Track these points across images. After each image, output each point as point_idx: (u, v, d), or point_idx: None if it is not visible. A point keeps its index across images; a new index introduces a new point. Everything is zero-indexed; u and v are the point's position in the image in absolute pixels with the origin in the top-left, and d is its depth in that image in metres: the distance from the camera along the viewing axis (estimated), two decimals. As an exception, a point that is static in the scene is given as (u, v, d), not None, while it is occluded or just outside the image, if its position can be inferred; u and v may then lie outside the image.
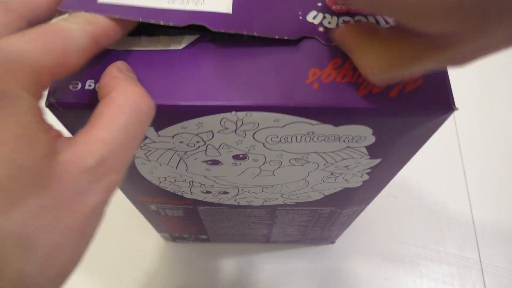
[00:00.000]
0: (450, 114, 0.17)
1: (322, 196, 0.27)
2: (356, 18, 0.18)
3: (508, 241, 0.44)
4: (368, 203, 0.30)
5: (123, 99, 0.14)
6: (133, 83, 0.16)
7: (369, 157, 0.21)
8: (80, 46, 0.15)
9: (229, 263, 0.43)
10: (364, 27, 0.16)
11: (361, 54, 0.16)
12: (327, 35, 0.18)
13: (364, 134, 0.18)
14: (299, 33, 0.17)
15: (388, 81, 0.16)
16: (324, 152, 0.20)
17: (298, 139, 0.19)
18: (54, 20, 0.15)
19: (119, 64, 0.16)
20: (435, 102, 0.17)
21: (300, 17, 0.18)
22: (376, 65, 0.15)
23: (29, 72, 0.13)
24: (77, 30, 0.15)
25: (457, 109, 0.16)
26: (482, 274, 0.42)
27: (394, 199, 0.46)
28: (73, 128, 0.18)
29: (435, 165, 0.48)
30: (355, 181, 0.24)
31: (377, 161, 0.21)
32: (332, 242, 0.44)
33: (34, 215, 0.12)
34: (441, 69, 0.14)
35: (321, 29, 0.18)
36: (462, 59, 0.13)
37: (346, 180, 0.24)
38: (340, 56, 0.17)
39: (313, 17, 0.18)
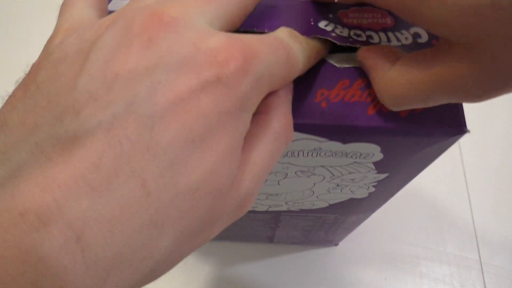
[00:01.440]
0: (461, 136, 0.16)
1: (327, 204, 0.27)
2: (367, 32, 0.17)
3: (508, 241, 0.44)
4: (374, 211, 0.30)
5: (278, 125, 0.14)
6: (289, 108, 0.15)
7: (376, 171, 0.20)
8: (295, 75, 0.15)
9: (230, 263, 0.43)
10: (386, 50, 0.15)
11: (378, 79, 0.15)
12: (340, 39, 0.17)
13: (372, 151, 0.18)
14: (312, 34, 0.17)
15: (402, 108, 0.15)
16: (330, 166, 0.20)
17: (305, 154, 0.19)
18: (280, 35, 0.15)
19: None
20: (447, 123, 0.16)
21: (312, 23, 0.17)
22: (389, 91, 0.15)
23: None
24: (300, 61, 0.15)
25: (469, 131, 0.16)
26: (482, 274, 0.42)
27: (394, 199, 0.45)
28: None
29: (435, 165, 0.47)
30: (361, 193, 0.24)
31: (384, 175, 0.21)
32: (336, 244, 0.43)
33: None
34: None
35: (333, 34, 0.17)
36: (478, 91, 0.12)
37: (352, 191, 0.24)
38: (348, 78, 0.17)
39: (324, 25, 0.17)
